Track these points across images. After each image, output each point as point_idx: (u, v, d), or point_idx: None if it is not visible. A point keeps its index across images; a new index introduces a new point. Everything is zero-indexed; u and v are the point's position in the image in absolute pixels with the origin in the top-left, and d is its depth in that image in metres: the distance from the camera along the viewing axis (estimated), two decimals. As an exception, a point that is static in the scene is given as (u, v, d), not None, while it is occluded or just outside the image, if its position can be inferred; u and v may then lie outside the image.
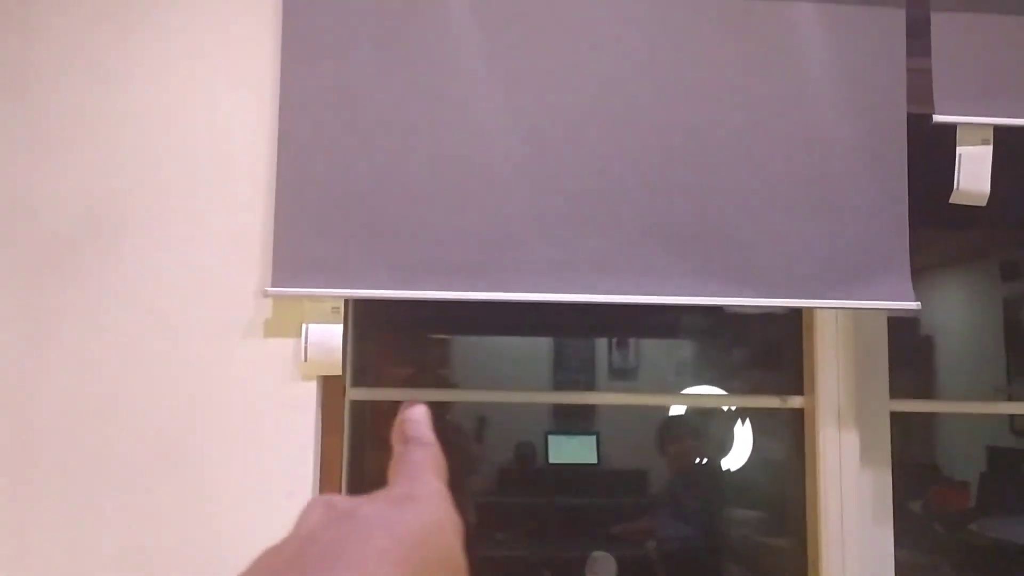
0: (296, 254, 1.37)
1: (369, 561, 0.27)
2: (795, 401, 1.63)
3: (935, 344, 4.71)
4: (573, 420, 4.94)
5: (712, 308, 4.12)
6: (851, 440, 1.56)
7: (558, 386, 5.20)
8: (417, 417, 0.39)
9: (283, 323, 1.40)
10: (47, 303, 1.37)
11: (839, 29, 1.42)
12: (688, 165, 1.41)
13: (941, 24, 1.42)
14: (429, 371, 4.13)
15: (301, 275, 1.37)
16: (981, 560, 3.15)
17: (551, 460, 4.86)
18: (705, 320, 4.57)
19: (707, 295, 1.40)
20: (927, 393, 4.43)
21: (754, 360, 4.25)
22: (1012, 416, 3.86)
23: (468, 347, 4.95)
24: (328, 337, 1.38)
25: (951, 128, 1.43)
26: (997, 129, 1.48)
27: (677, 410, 3.68)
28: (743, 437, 3.83)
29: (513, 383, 4.87)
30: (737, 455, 3.81)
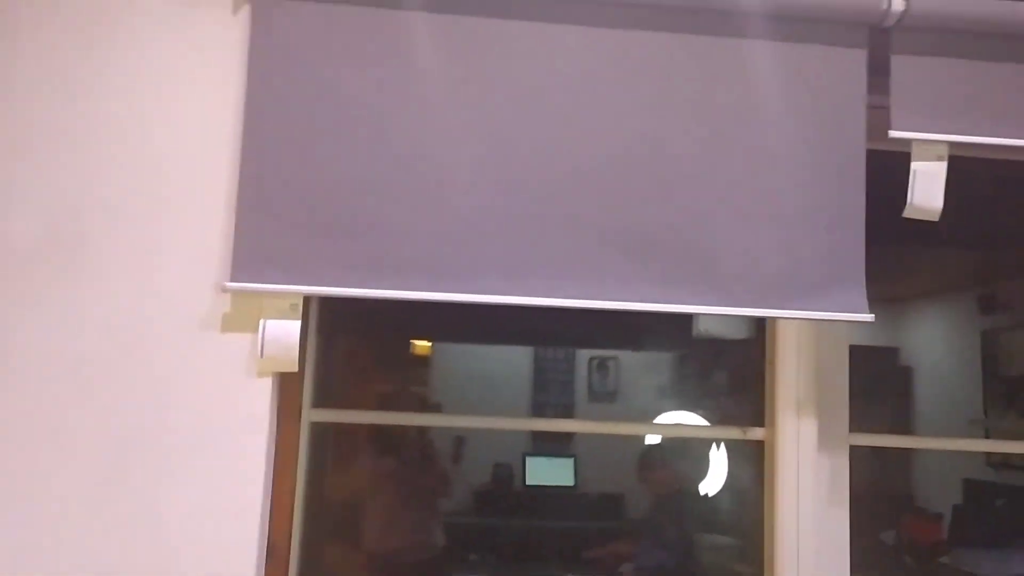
0: (256, 250, 1.37)
1: None
2: (756, 433, 1.62)
3: (913, 376, 4.73)
4: (551, 442, 4.92)
5: (690, 331, 4.14)
6: (808, 474, 1.56)
7: (537, 408, 5.19)
8: None
9: (241, 319, 1.39)
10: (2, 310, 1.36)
11: (800, 44, 1.44)
12: (650, 174, 1.42)
13: (902, 46, 1.45)
14: (405, 390, 4.10)
15: (260, 271, 1.36)
16: (952, 593, 3.13)
17: (528, 482, 4.83)
18: (682, 342, 4.58)
19: (667, 303, 1.40)
20: (905, 425, 4.44)
21: (731, 386, 4.25)
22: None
23: (447, 366, 4.93)
24: (285, 333, 1.38)
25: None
26: (989, 163, 1.50)
27: (653, 439, 3.68)
28: (718, 463, 3.82)
29: (492, 403, 4.85)
30: (713, 480, 3.80)
